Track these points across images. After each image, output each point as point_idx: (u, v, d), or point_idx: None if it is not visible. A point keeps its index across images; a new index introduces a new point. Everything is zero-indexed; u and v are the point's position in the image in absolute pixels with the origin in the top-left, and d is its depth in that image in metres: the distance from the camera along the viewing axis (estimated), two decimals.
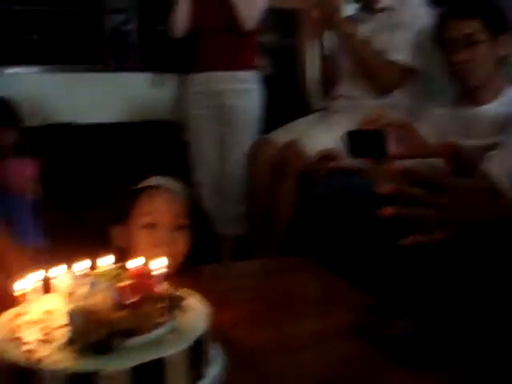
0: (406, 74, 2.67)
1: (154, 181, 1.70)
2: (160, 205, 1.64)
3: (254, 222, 2.76)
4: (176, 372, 0.99)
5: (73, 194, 2.20)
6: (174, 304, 1.09)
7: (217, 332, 1.16)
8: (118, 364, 0.95)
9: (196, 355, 1.03)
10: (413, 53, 2.61)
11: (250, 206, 2.78)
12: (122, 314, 1.01)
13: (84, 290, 1.08)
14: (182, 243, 1.63)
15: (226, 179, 2.84)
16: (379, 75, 2.63)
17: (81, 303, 1.03)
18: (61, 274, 1.17)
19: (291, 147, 2.46)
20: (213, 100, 2.92)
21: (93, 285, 1.08)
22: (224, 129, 2.87)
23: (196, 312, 1.12)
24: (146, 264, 1.23)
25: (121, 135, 2.91)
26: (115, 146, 2.81)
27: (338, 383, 1.09)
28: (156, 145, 2.97)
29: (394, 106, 2.63)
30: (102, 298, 1.04)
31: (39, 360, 0.95)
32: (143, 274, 1.16)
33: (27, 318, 1.10)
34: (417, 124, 1.67)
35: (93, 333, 0.97)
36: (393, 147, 1.43)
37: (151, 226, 1.62)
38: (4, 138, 2.58)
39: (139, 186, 1.69)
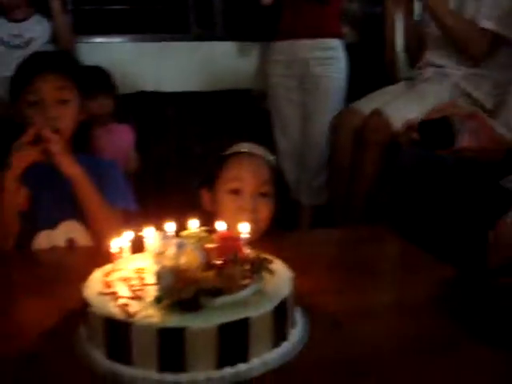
0: (496, 43, 2.55)
1: (241, 147, 1.72)
2: (246, 171, 1.67)
3: (335, 191, 2.75)
4: (260, 332, 1.02)
5: (161, 159, 2.25)
6: (259, 267, 1.11)
7: (299, 296, 1.19)
8: (204, 322, 0.98)
9: (280, 317, 1.05)
10: (505, 20, 2.48)
11: (331, 176, 2.77)
12: (210, 273, 1.05)
13: (172, 250, 1.13)
14: (265, 210, 1.65)
15: (308, 149, 2.83)
16: (468, 44, 2.53)
17: (169, 263, 1.07)
18: (151, 234, 1.22)
19: (376, 117, 2.42)
20: (296, 68, 2.90)
21: (180, 246, 1.12)
22: (307, 98, 2.85)
23: (280, 276, 1.14)
24: (231, 228, 1.26)
25: (204, 104, 2.95)
26: (199, 114, 2.85)
27: (415, 354, 1.09)
28: (238, 114, 3.00)
29: (481, 77, 2.54)
30: (189, 259, 1.07)
31: (133, 314, 1.00)
32: (230, 237, 1.19)
33: (119, 274, 1.16)
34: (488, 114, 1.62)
35: (181, 291, 1.01)
36: (465, 138, 1.39)
37: (236, 191, 1.65)
38: (103, 105, 2.68)
39: (227, 153, 1.72)
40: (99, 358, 1.04)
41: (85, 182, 1.56)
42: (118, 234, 1.21)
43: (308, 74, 2.87)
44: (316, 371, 1.03)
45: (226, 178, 1.68)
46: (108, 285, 1.12)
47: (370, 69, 3.15)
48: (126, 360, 1.00)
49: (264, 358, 1.02)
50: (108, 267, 1.19)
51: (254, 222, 1.59)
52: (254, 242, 1.58)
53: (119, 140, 2.70)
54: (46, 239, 1.59)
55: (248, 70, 3.27)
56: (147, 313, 1.01)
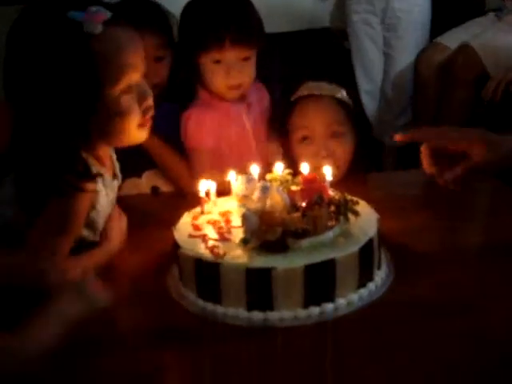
0: None
1: (307, 89, 1.66)
2: (312, 117, 1.60)
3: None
4: (346, 273, 1.03)
5: None
6: (344, 208, 1.11)
7: (385, 238, 1.19)
8: (291, 262, 1.00)
9: (366, 258, 1.06)
10: None
11: (416, 115, 2.69)
12: (295, 215, 1.06)
13: (257, 193, 1.14)
14: (341, 152, 1.59)
15: (391, 87, 2.75)
16: None
17: (254, 206, 1.09)
18: (237, 178, 1.25)
19: (464, 51, 2.31)
20: (377, 4, 2.80)
21: (265, 189, 1.13)
22: (389, 34, 2.76)
23: (366, 217, 1.14)
24: (314, 171, 1.26)
25: (283, 44, 2.90)
26: (278, 55, 2.81)
27: (505, 299, 1.07)
28: (319, 54, 2.94)
29: None
30: (274, 201, 1.09)
31: (221, 255, 1.04)
32: (314, 180, 1.19)
33: (207, 218, 1.19)
34: None
35: (267, 233, 1.03)
36: None
37: (306, 138, 1.60)
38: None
39: (294, 97, 1.70)
40: (191, 297, 1.08)
41: (162, 151, 1.60)
42: (205, 178, 1.24)
43: (389, 9, 2.76)
44: (401, 312, 1.04)
45: (295, 126, 1.63)
46: (197, 227, 1.15)
47: (455, 1, 2.99)
48: (216, 299, 1.04)
49: (349, 298, 1.04)
50: (196, 211, 1.22)
51: (330, 165, 1.47)
52: (337, 184, 1.60)
53: None
54: (131, 187, 1.65)
55: (327, 8, 3.18)
56: (235, 254, 1.04)
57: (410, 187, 1.67)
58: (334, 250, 1.03)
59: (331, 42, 3.00)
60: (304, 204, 1.10)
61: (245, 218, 1.06)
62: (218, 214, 1.20)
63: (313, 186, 1.17)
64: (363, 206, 1.18)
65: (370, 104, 2.74)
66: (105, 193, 1.23)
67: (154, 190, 1.69)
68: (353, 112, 1.66)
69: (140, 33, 1.30)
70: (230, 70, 1.53)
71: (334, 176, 1.58)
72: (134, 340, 1.03)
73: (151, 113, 1.26)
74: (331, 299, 1.02)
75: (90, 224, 1.22)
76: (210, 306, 1.05)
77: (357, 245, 1.04)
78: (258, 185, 1.16)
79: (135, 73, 1.22)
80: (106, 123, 1.19)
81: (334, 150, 1.59)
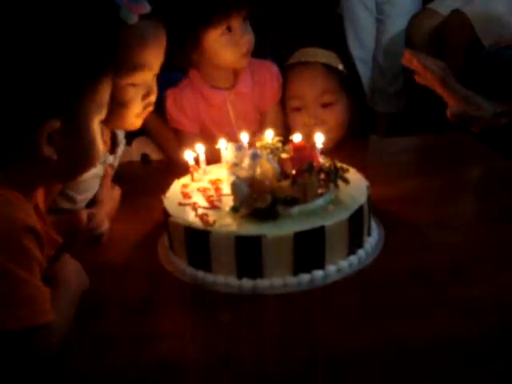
0: None
1: (298, 55, 1.66)
2: (302, 85, 1.60)
3: (411, 98, 2.65)
4: (335, 240, 1.03)
5: None
6: (334, 176, 1.11)
7: (375, 205, 1.19)
8: (280, 230, 1.00)
9: (355, 225, 1.06)
10: None
11: (407, 82, 2.66)
12: (285, 183, 1.06)
13: (247, 161, 1.14)
14: (332, 120, 1.59)
15: (383, 54, 2.72)
16: None
17: (244, 174, 1.08)
18: (227, 146, 1.24)
19: (455, 17, 2.27)
20: None
21: (254, 156, 1.13)
22: (381, 0, 2.72)
23: (356, 184, 1.14)
24: (306, 139, 1.25)
25: (274, 9, 2.85)
26: (269, 20, 2.76)
27: (495, 264, 1.07)
28: (311, 19, 2.89)
29: None
30: (264, 169, 1.08)
31: (211, 223, 1.03)
32: (304, 147, 1.18)
33: (197, 185, 1.19)
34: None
35: (257, 200, 1.02)
36: None
37: (299, 109, 1.60)
38: None
39: (288, 63, 1.68)
40: (182, 265, 1.09)
41: (152, 117, 1.57)
42: (193, 147, 1.24)
43: None
44: (391, 279, 1.04)
45: (287, 95, 1.63)
46: (187, 196, 1.15)
47: None
48: (206, 267, 1.04)
49: (339, 265, 1.04)
50: (186, 179, 1.22)
51: (323, 133, 1.58)
52: (328, 151, 1.59)
53: None
54: (122, 154, 1.64)
55: None
56: (225, 222, 1.04)
57: (400, 154, 1.68)
58: (324, 218, 1.03)
59: (322, 8, 2.95)
60: (294, 172, 1.09)
61: (234, 186, 1.05)
62: (207, 182, 1.20)
63: (303, 153, 1.16)
64: (354, 174, 1.18)
65: (362, 71, 2.70)
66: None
67: (144, 157, 1.68)
68: (346, 79, 1.65)
69: None
70: (240, 37, 1.50)
71: (326, 144, 1.60)
72: (125, 306, 1.03)
73: (151, 108, 1.29)
74: (321, 266, 1.03)
75: (69, 196, 1.22)
76: (200, 274, 1.05)
77: (346, 212, 1.04)
78: (248, 152, 1.16)
79: (149, 72, 1.24)
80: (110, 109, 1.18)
81: (325, 118, 1.59)
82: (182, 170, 1.25)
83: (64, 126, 0.86)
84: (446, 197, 1.34)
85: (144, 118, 1.32)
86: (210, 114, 1.62)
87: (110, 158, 1.36)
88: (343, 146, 1.57)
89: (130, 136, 1.67)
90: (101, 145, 0.96)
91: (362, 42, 2.77)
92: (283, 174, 1.11)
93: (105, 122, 1.26)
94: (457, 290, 1.00)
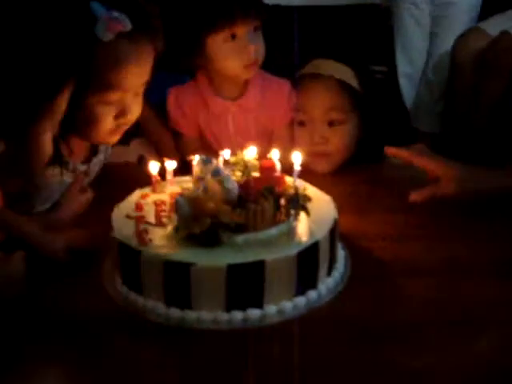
0: None
1: (314, 66, 1.53)
2: (308, 99, 1.47)
3: (451, 119, 2.45)
4: (279, 278, 0.91)
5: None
6: (295, 204, 0.99)
7: (348, 239, 1.08)
8: (214, 259, 0.90)
9: (307, 263, 0.93)
10: None
11: (449, 103, 2.47)
12: (229, 207, 0.95)
13: (208, 177, 1.04)
14: (337, 141, 1.45)
15: (433, 69, 2.52)
16: None
17: (194, 191, 0.98)
18: (198, 159, 1.14)
19: (504, 39, 2.07)
20: None
21: (215, 173, 1.02)
22: (437, 14, 2.52)
23: (322, 216, 1.01)
24: (284, 158, 1.14)
25: (328, 18, 2.73)
26: (321, 28, 2.65)
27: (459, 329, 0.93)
28: (363, 29, 2.75)
29: None
30: (211, 189, 0.98)
31: (146, 242, 0.94)
32: (272, 168, 1.07)
33: (155, 197, 1.10)
34: None
35: (196, 222, 0.92)
36: None
37: (303, 123, 1.48)
38: None
39: (299, 74, 1.56)
40: (116, 282, 1.00)
41: (149, 118, 1.50)
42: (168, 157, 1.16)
43: None
44: (338, 331, 0.92)
45: (294, 108, 1.49)
46: (139, 207, 1.06)
47: None
48: (138, 288, 0.95)
49: (281, 305, 0.92)
50: (145, 189, 1.13)
51: (325, 154, 1.46)
52: (327, 174, 1.47)
53: None
54: (119, 154, 1.58)
55: None
56: (160, 243, 0.94)
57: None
58: (269, 251, 0.92)
59: (377, 19, 2.80)
60: (250, 194, 0.98)
61: (177, 205, 0.95)
62: (168, 195, 1.11)
63: (269, 175, 1.05)
64: (325, 203, 1.06)
65: (406, 87, 2.54)
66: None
67: (141, 159, 1.61)
68: (360, 98, 1.51)
69: None
70: (245, 46, 1.39)
71: (327, 166, 1.47)
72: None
73: (126, 127, 1.23)
74: (258, 305, 0.91)
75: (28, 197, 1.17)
76: (132, 296, 0.97)
77: (296, 247, 0.92)
78: (211, 168, 1.06)
79: (123, 93, 1.17)
80: (78, 121, 1.16)
81: (330, 138, 1.47)
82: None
83: None
84: (430, 239, 1.18)
85: (120, 134, 1.26)
86: (209, 122, 1.52)
87: (82, 167, 1.29)
88: (341, 171, 1.45)
89: (129, 136, 1.62)
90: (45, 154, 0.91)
91: (411, 57, 2.60)
92: (243, 196, 1.00)
93: (77, 133, 1.23)
94: (405, 357, 0.86)
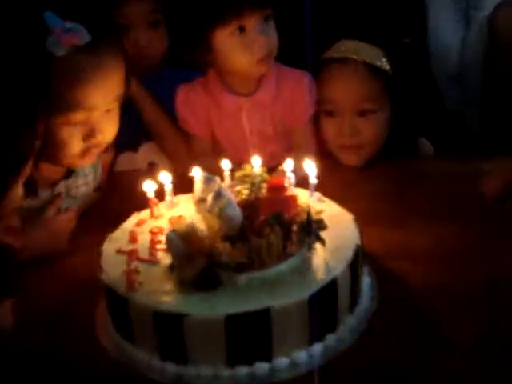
0: None
1: (337, 50, 1.37)
2: (338, 89, 1.33)
3: (489, 116, 2.21)
4: (289, 326, 0.77)
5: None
6: (307, 232, 0.84)
7: (386, 261, 0.97)
8: (212, 308, 0.76)
9: (322, 306, 0.79)
10: None
11: (485, 98, 2.23)
12: (228, 244, 0.80)
13: (210, 201, 0.90)
14: (369, 132, 1.32)
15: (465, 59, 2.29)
16: None
17: (188, 222, 0.85)
18: (199, 174, 1.00)
19: None
20: None
21: (217, 197, 0.89)
22: None
23: (342, 241, 0.87)
24: (297, 170, 0.99)
25: None
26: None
27: None
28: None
29: None
30: (208, 221, 0.84)
31: (135, 287, 0.81)
32: (282, 187, 0.93)
33: (153, 224, 0.97)
34: None
35: (190, 264, 0.79)
36: None
37: (331, 113, 1.34)
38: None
39: (325, 57, 1.40)
40: (108, 329, 0.88)
41: (148, 101, 1.38)
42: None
43: None
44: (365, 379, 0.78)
45: (319, 97, 1.36)
46: (133, 239, 0.94)
47: None
48: (130, 338, 0.83)
49: (293, 357, 0.78)
50: (143, 214, 1.00)
51: (355, 147, 1.34)
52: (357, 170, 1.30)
53: None
54: (127, 162, 1.46)
55: None
56: (151, 287, 0.81)
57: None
58: (277, 294, 0.78)
59: None
60: (249, 225, 0.84)
61: (168, 242, 0.82)
62: (167, 220, 0.98)
63: (277, 196, 0.91)
64: (347, 224, 0.91)
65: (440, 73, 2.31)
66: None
67: (151, 166, 1.48)
68: (392, 82, 1.34)
69: None
70: (255, 39, 1.24)
71: (357, 160, 1.34)
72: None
73: (99, 150, 1.11)
74: (266, 358, 0.78)
75: None
76: (124, 346, 0.84)
77: (309, 288, 0.78)
78: (212, 187, 0.92)
79: (89, 112, 1.05)
80: (45, 144, 1.00)
81: (362, 129, 1.33)
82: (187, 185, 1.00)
83: None
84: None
85: (93, 157, 1.13)
86: (221, 122, 1.38)
87: (44, 193, 1.16)
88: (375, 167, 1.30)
89: (137, 142, 1.49)
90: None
91: (444, 36, 2.35)
92: (245, 225, 0.86)
93: (45, 158, 1.10)
94: None
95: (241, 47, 1.24)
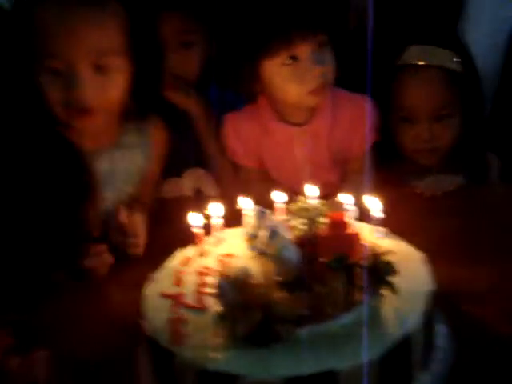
0: None
1: (411, 56, 1.32)
2: (415, 96, 1.29)
3: None
4: None
5: None
6: (375, 278, 0.74)
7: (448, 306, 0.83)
8: (267, 369, 0.66)
9: (397, 362, 0.69)
10: None
11: None
12: (286, 293, 0.71)
13: (265, 238, 0.81)
14: (445, 136, 1.30)
15: None
16: None
17: (239, 266, 0.75)
18: (249, 207, 0.91)
19: None
20: None
21: (273, 235, 0.79)
22: None
23: (412, 286, 0.76)
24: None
25: None
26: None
27: None
28: None
29: None
30: (263, 267, 0.75)
31: (180, 339, 0.72)
32: (342, 223, 0.82)
33: (200, 263, 0.88)
34: None
35: (243, 317, 0.69)
36: None
37: (408, 119, 1.31)
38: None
39: (398, 64, 1.32)
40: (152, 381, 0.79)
41: (203, 121, 1.30)
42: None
43: None
44: None
45: (395, 104, 1.32)
46: (178, 280, 0.85)
47: None
48: None
49: None
50: (191, 249, 0.91)
51: (432, 151, 1.31)
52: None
53: None
54: (172, 188, 1.38)
55: None
56: (199, 338, 0.72)
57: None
58: (342, 352, 0.67)
59: None
60: (308, 269, 0.74)
61: (218, 289, 0.73)
62: (215, 258, 0.89)
63: (338, 233, 0.81)
64: (419, 264, 0.81)
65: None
66: None
67: (197, 192, 1.40)
68: (466, 85, 1.31)
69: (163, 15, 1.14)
70: (308, 69, 1.16)
71: (433, 161, 1.31)
72: None
73: (79, 107, 1.03)
74: None
75: None
76: None
77: (380, 345, 0.68)
78: (267, 224, 0.83)
79: (60, 61, 1.02)
80: None
81: (438, 134, 1.30)
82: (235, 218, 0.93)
83: None
84: None
85: (76, 119, 1.06)
86: (272, 151, 1.30)
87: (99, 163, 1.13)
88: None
89: (182, 167, 1.40)
90: None
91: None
92: (307, 267, 0.76)
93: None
94: None
95: (292, 78, 1.16)
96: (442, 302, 0.85)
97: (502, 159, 1.40)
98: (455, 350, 0.79)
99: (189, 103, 1.33)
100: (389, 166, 1.34)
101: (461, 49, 1.34)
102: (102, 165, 1.13)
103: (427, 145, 1.31)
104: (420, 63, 1.31)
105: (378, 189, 1.25)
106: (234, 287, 0.71)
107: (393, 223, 0.92)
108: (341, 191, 0.93)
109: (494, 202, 1.24)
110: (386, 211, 0.89)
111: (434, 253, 0.95)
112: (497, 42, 1.96)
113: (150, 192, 1.25)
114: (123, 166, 1.16)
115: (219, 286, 0.72)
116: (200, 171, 1.39)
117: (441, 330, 0.81)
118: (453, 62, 1.31)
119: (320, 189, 0.99)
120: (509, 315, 0.85)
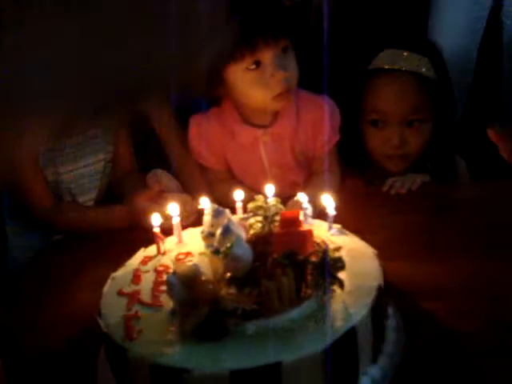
0: None
1: (383, 60, 1.32)
2: (386, 100, 1.30)
3: None
4: (304, 381, 0.69)
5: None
6: (327, 274, 0.76)
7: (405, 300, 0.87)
8: (214, 363, 0.68)
9: (341, 357, 0.71)
10: None
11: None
12: (234, 289, 0.73)
13: (218, 235, 0.82)
14: (416, 142, 1.31)
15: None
16: None
17: (190, 264, 0.77)
18: (208, 206, 0.93)
19: None
20: None
21: (226, 231, 0.81)
22: None
23: (361, 282, 0.78)
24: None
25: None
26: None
27: None
28: None
29: None
30: (212, 263, 0.76)
31: (133, 336, 0.74)
32: (296, 221, 0.84)
33: (159, 261, 0.90)
34: None
35: (192, 312, 0.71)
36: None
37: (377, 123, 1.31)
38: None
39: (370, 68, 1.34)
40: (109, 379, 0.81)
41: (165, 124, 1.33)
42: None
43: None
44: None
45: (365, 107, 1.33)
46: (137, 278, 0.87)
47: None
48: None
49: None
50: (148, 250, 0.93)
51: (402, 157, 1.32)
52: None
53: None
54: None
55: None
56: (150, 336, 0.74)
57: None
58: (288, 345, 0.69)
59: None
60: (260, 266, 0.76)
61: (168, 286, 0.75)
62: (175, 257, 0.90)
63: (291, 231, 0.83)
64: (369, 260, 0.82)
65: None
66: None
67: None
68: (438, 91, 1.32)
69: None
70: (272, 74, 1.17)
71: (402, 167, 1.31)
72: None
73: None
74: None
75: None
76: None
77: (324, 339, 0.69)
78: (222, 221, 0.85)
79: None
80: None
81: (409, 139, 1.31)
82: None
83: None
84: None
85: None
86: (237, 154, 1.31)
87: None
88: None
89: (145, 169, 1.41)
90: None
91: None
92: (259, 260, 0.78)
93: None
94: None
95: (256, 83, 1.17)
96: (396, 296, 0.88)
97: (467, 161, 1.42)
98: (406, 344, 0.81)
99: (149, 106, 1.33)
100: (356, 169, 1.36)
101: (433, 54, 1.35)
102: None
103: (398, 151, 1.31)
104: (392, 67, 1.31)
105: (343, 188, 1.28)
106: (184, 284, 0.73)
107: (355, 221, 0.94)
108: (304, 191, 0.95)
109: (458, 200, 1.26)
110: (348, 209, 0.92)
111: (394, 249, 0.99)
112: (469, 43, 1.98)
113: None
114: None
115: (169, 283, 0.74)
116: (159, 171, 1.39)
117: (393, 324, 0.83)
118: (425, 67, 1.32)
119: (286, 189, 1.01)
120: (459, 311, 0.87)
